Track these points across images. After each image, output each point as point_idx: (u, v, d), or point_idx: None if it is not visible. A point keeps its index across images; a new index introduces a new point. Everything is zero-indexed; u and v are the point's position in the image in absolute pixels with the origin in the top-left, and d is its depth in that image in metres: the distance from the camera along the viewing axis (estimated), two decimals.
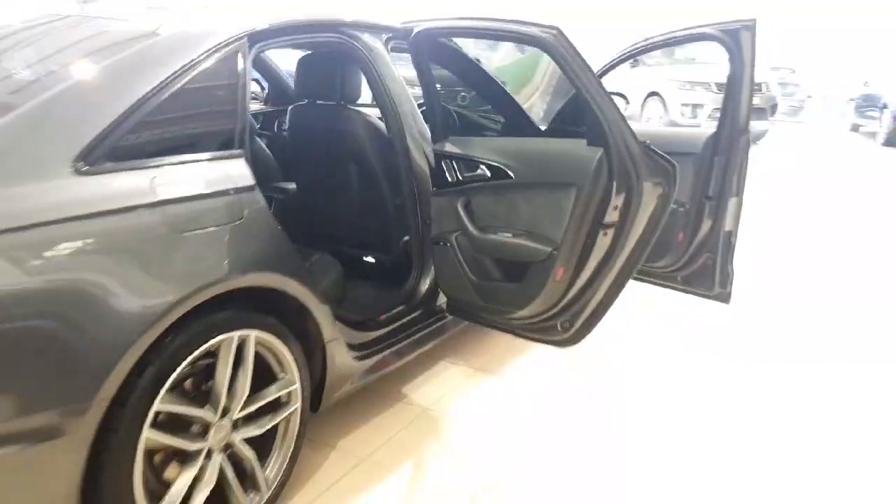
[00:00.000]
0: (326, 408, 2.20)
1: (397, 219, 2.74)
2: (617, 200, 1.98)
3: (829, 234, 5.69)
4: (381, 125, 2.64)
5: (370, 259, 3.06)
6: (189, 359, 1.59)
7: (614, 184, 1.97)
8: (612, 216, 2.00)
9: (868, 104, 13.28)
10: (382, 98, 2.48)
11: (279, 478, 1.95)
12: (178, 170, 1.66)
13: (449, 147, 2.39)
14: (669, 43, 2.75)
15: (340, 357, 2.15)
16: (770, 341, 3.39)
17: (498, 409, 2.65)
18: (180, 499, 1.65)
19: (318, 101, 2.70)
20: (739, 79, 2.52)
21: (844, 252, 5.15)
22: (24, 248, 1.33)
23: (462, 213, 2.34)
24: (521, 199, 2.21)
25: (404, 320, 2.53)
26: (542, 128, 2.99)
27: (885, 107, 12.05)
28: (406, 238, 2.72)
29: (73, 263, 1.39)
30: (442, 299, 2.63)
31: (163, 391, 1.54)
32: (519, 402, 2.70)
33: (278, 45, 2.12)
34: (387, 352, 2.41)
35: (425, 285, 2.62)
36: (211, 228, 1.66)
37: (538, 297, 2.16)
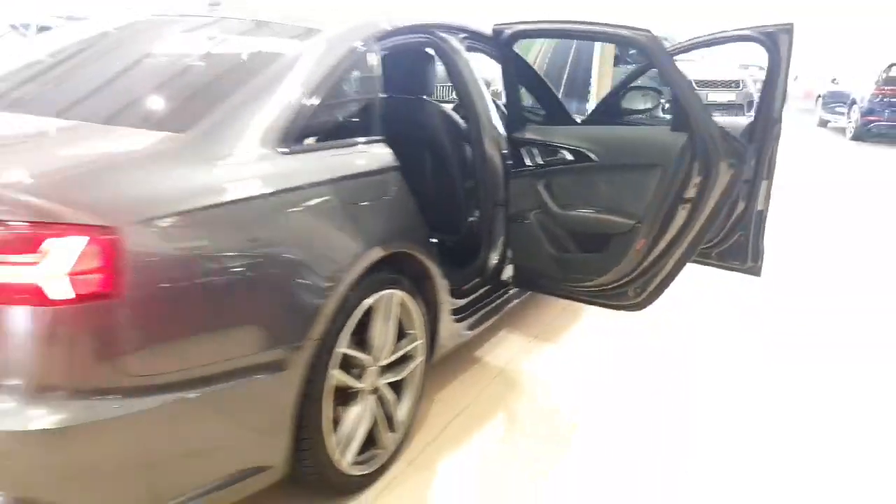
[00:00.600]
0: (433, 363, 2.51)
1: (466, 201, 3.04)
2: (696, 178, 2.32)
3: (813, 225, 6.16)
4: (456, 116, 2.94)
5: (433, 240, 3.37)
6: (362, 310, 1.89)
7: (696, 164, 2.32)
8: (690, 192, 2.34)
9: (836, 100, 13.99)
10: (463, 93, 2.77)
11: (407, 421, 2.26)
12: (345, 151, 1.96)
13: (529, 134, 2.70)
14: (711, 43, 3.10)
15: (445, 319, 2.46)
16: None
17: (560, 369, 2.99)
18: (352, 429, 1.95)
19: (400, 95, 2.98)
20: (776, 75, 2.86)
21: (828, 241, 5.61)
22: (262, 212, 1.62)
23: (543, 192, 2.65)
24: (601, 179, 2.54)
25: (480, 291, 2.84)
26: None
27: (853, 103, 12.74)
28: (471, 219, 3.02)
29: (291, 228, 1.69)
30: (507, 273, 2.94)
31: (346, 336, 1.84)
32: (577, 364, 3.05)
33: (392, 44, 2.41)
34: (472, 318, 2.72)
35: (494, 260, 2.93)
36: (374, 201, 1.97)
37: (618, 265, 2.49)
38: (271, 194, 1.67)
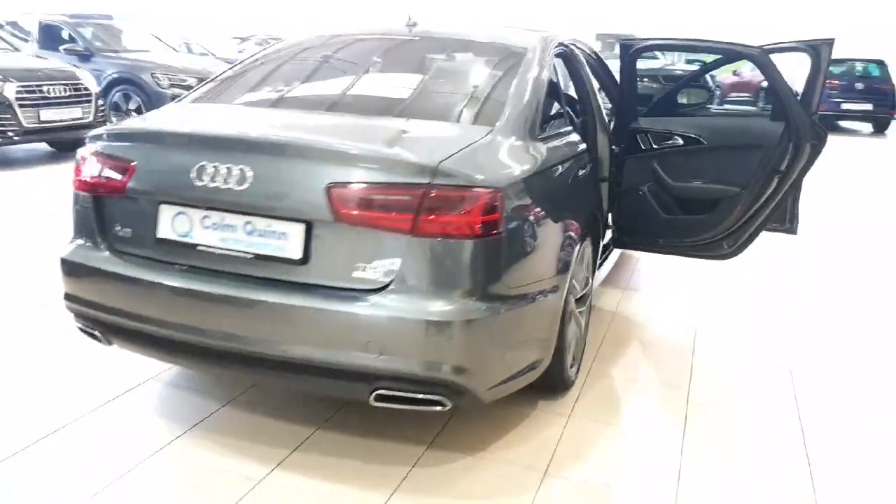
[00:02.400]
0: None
1: None
2: (788, 156, 3.14)
3: None
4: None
5: None
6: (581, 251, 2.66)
7: (790, 145, 3.12)
8: (782, 166, 3.16)
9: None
10: (583, 92, 3.44)
11: (583, 343, 2.99)
12: (566, 138, 2.71)
13: (645, 124, 3.45)
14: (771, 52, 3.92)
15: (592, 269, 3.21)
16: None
17: (652, 308, 3.79)
18: (569, 341, 2.66)
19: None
20: (815, 81, 3.65)
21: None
22: (554, 178, 2.43)
23: (658, 169, 3.41)
24: (708, 158, 3.32)
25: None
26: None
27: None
28: None
29: (566, 191, 2.52)
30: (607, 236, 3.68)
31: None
32: (662, 303, 3.85)
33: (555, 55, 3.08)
34: (596, 271, 3.47)
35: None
36: (583, 173, 2.72)
37: (722, 224, 3.28)
38: (551, 167, 2.44)
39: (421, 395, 2.01)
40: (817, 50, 3.53)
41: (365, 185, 1.95)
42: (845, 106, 14.16)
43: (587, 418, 2.61)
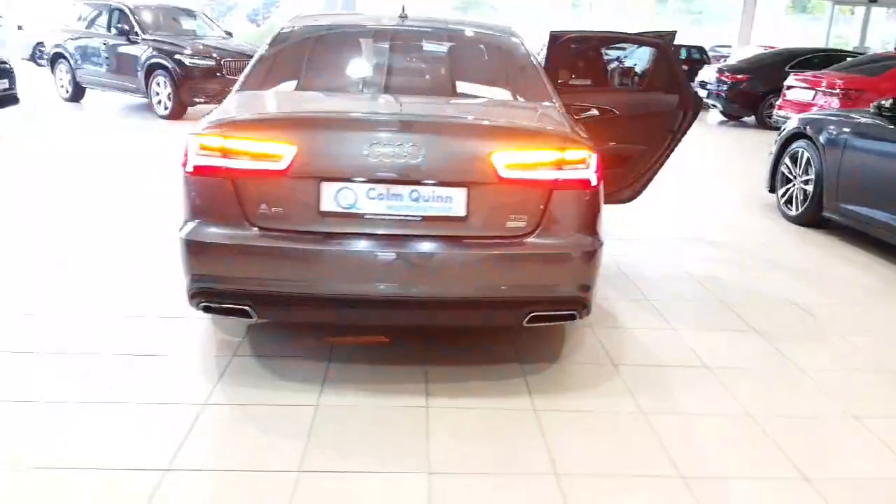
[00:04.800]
0: None
1: None
2: (679, 119, 3.85)
3: None
4: None
5: None
6: None
7: (681, 111, 3.84)
8: (675, 126, 3.85)
9: None
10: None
11: None
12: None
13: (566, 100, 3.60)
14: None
15: None
16: None
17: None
18: None
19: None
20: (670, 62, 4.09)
21: None
22: None
23: None
24: (620, 125, 3.76)
25: None
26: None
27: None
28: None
29: None
30: None
31: None
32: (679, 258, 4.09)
33: None
34: None
35: None
36: None
37: (631, 174, 3.82)
38: None
39: (563, 312, 2.53)
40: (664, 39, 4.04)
41: (520, 153, 2.40)
42: None
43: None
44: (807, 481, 2.12)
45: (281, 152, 2.33)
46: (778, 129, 6.06)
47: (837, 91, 8.38)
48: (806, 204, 5.11)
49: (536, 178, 2.40)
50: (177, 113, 9.19)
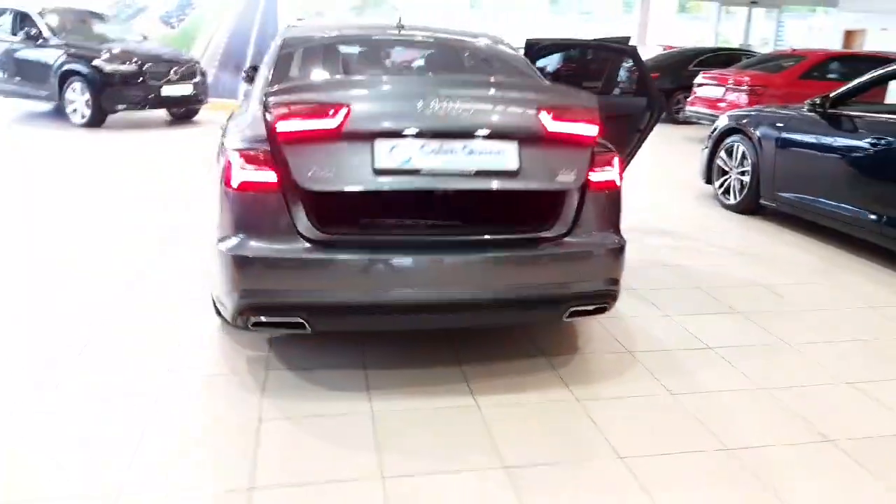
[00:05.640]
0: None
1: None
2: (646, 119, 4.15)
3: None
4: None
5: None
6: None
7: (647, 113, 4.12)
8: (642, 125, 4.15)
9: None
10: None
11: None
12: None
13: None
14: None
15: None
16: None
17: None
18: None
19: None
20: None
21: None
22: None
23: None
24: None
25: None
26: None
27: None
28: None
29: None
30: None
31: None
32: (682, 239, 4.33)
33: None
34: None
35: None
36: None
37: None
38: None
39: (599, 305, 2.70)
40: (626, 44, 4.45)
41: (562, 110, 2.49)
42: None
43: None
44: (831, 442, 2.37)
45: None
46: (688, 123, 6.64)
47: (745, 87, 9.06)
48: (745, 193, 5.55)
49: (580, 134, 2.51)
50: (97, 121, 8.66)
